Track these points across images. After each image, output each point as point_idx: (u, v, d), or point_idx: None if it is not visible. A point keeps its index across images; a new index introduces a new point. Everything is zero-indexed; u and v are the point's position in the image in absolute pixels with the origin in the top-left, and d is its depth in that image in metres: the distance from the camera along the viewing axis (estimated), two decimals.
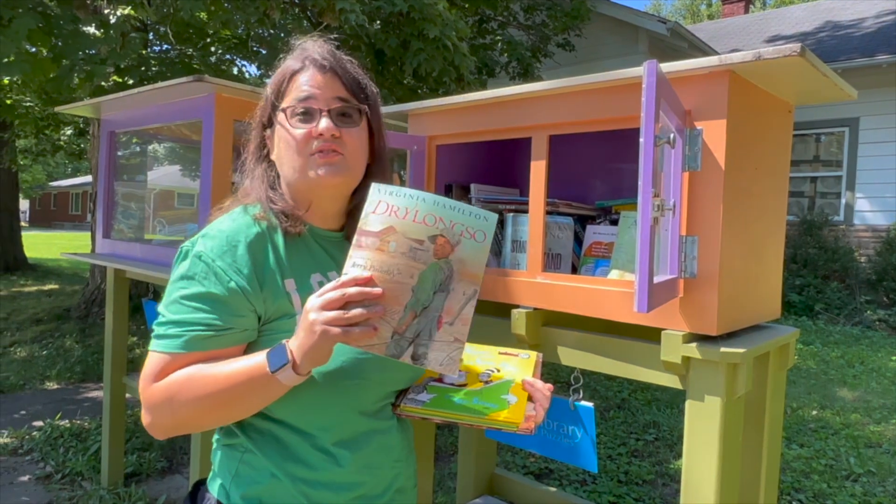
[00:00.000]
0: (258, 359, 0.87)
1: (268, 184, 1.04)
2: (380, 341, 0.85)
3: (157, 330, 0.94)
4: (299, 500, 0.96)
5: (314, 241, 1.05)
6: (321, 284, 0.99)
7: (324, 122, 0.98)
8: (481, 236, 0.90)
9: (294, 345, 0.85)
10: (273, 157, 1.06)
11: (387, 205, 0.87)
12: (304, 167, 0.99)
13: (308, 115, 0.99)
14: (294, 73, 1.01)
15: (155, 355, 0.92)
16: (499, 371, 1.12)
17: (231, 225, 0.98)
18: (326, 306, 0.81)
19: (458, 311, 0.88)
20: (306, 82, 1.00)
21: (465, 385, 1.07)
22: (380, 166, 1.10)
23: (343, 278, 0.83)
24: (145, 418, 0.93)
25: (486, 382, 1.08)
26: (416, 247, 0.86)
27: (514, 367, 1.14)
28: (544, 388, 1.05)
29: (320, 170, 0.98)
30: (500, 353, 1.20)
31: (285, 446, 0.97)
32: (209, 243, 0.95)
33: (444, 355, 0.88)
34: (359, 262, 0.84)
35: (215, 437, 1.05)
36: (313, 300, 0.83)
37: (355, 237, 0.85)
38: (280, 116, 1.01)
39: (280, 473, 0.96)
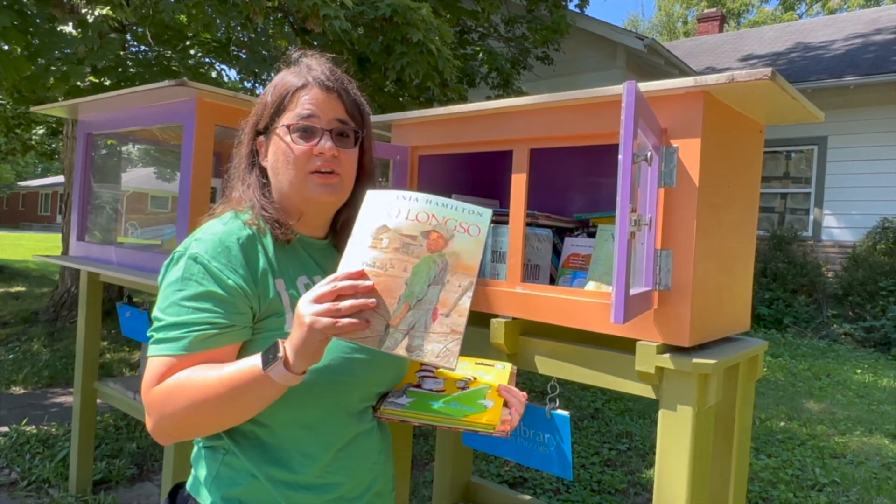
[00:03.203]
0: (253, 360, 0.87)
1: (261, 192, 1.06)
2: (373, 334, 0.84)
3: (155, 335, 0.93)
4: (279, 502, 0.97)
5: (301, 248, 1.08)
6: (307, 287, 1.02)
7: (326, 142, 1.01)
8: (475, 230, 0.91)
9: (287, 343, 0.85)
10: (265, 164, 1.07)
11: (380, 206, 0.89)
12: (301, 183, 1.02)
13: (309, 133, 1.02)
14: (297, 90, 1.03)
15: (156, 360, 0.92)
16: (475, 379, 1.16)
17: (223, 228, 1.00)
18: (317, 300, 0.82)
19: (454, 303, 0.87)
20: (309, 100, 1.03)
21: (443, 391, 1.11)
22: (368, 182, 1.13)
23: (335, 274, 0.84)
24: (148, 422, 0.93)
25: (463, 388, 1.12)
26: (409, 242, 0.87)
27: (490, 376, 1.18)
28: (519, 395, 1.10)
29: (317, 188, 1.02)
30: (476, 364, 1.23)
31: (267, 448, 0.98)
32: (203, 245, 0.96)
33: (441, 347, 0.86)
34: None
35: (196, 441, 1.05)
36: (306, 296, 0.83)
37: (349, 240, 0.87)
38: (281, 130, 1.03)
39: (260, 475, 0.97)
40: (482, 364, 1.23)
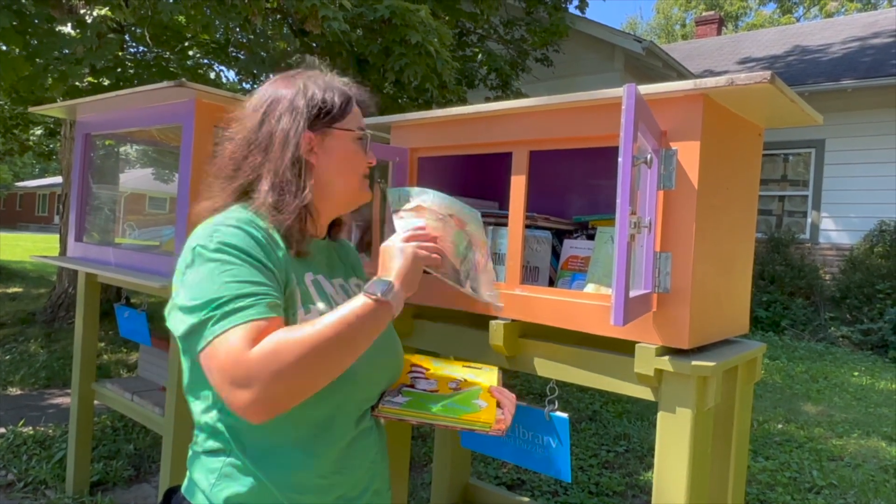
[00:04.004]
0: (359, 300, 0.95)
1: (309, 201, 1.04)
2: (447, 270, 1.11)
3: (216, 313, 0.86)
4: (281, 503, 0.97)
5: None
6: (314, 283, 1.05)
7: (371, 153, 1.14)
8: (476, 219, 1.18)
9: (390, 275, 1.00)
10: (312, 160, 1.05)
11: (407, 194, 1.15)
12: (357, 187, 1.12)
13: (365, 142, 1.11)
14: (351, 100, 1.11)
15: (237, 329, 0.85)
16: (466, 381, 1.20)
17: (238, 218, 0.98)
18: (409, 238, 1.05)
19: (485, 265, 1.19)
20: (359, 114, 1.13)
21: (436, 391, 1.14)
22: None
23: (407, 229, 1.09)
24: (242, 396, 0.83)
25: (456, 389, 1.16)
26: (443, 218, 1.12)
27: (480, 378, 1.23)
28: (510, 395, 1.17)
29: (367, 190, 1.15)
30: (464, 367, 1.29)
31: (271, 449, 0.98)
32: (226, 234, 0.93)
33: (489, 291, 1.18)
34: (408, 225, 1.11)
35: (192, 445, 1.05)
36: (394, 239, 1.06)
37: (394, 217, 1.14)
38: (351, 135, 1.09)
39: (264, 477, 0.97)
40: (469, 367, 1.29)
